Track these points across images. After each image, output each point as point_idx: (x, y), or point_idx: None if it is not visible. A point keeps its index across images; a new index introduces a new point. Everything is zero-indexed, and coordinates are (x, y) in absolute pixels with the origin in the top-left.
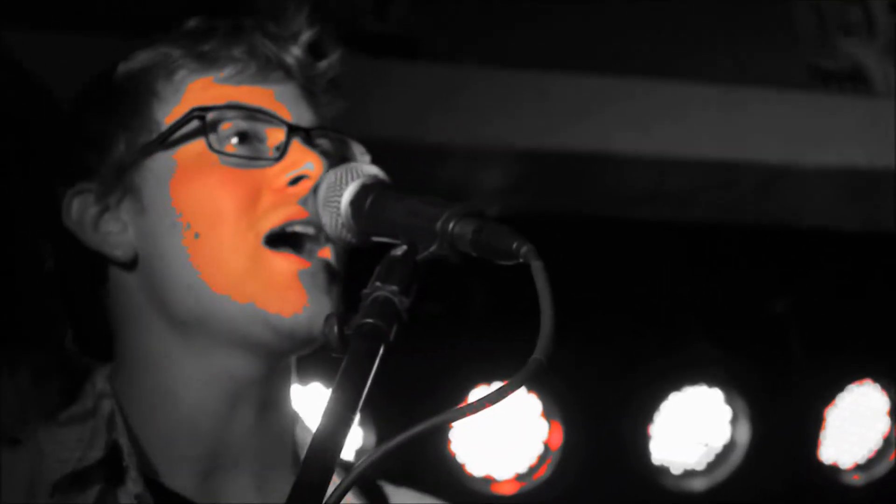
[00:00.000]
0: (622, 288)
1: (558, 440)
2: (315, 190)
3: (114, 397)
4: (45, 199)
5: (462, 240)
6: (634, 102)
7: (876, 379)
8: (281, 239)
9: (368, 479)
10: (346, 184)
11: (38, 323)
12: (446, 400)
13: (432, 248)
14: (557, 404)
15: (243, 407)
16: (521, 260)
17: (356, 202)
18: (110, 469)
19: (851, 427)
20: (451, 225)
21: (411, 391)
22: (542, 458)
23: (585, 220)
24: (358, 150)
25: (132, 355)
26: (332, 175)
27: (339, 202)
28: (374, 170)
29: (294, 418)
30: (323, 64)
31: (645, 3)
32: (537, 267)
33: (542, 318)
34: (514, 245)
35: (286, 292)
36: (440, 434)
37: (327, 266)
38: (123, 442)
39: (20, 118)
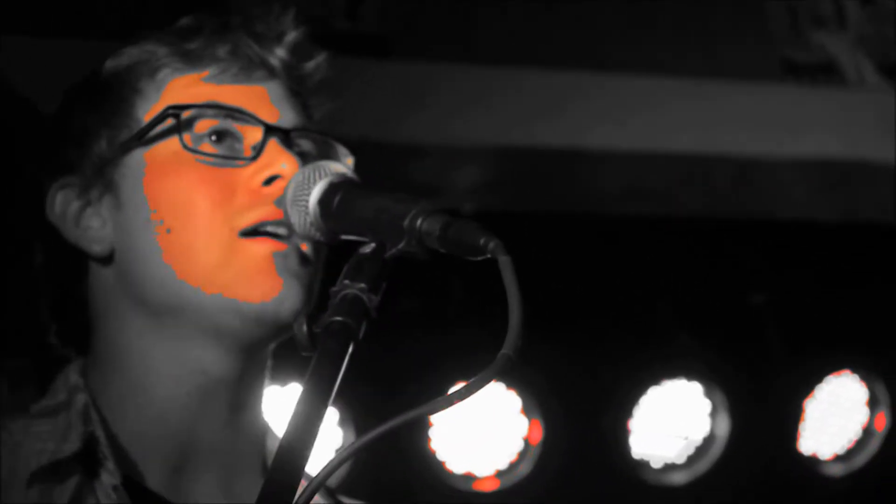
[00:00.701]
0: (600, 284)
1: (538, 436)
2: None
3: (87, 391)
4: (34, 195)
5: (430, 236)
6: (608, 97)
7: (854, 370)
8: (255, 235)
9: (330, 490)
10: (314, 182)
11: (17, 332)
12: (425, 396)
13: (400, 246)
14: (537, 400)
15: (214, 405)
16: (489, 255)
17: (324, 201)
18: (87, 462)
19: (830, 418)
20: (418, 222)
21: (390, 388)
22: (522, 455)
23: (561, 217)
24: (342, 151)
25: (107, 349)
26: (301, 174)
27: (307, 201)
28: (342, 168)
29: (265, 427)
30: (310, 65)
31: None
32: (505, 262)
33: (511, 314)
34: (482, 241)
35: (257, 277)
36: (420, 432)
37: (299, 250)
38: (99, 434)
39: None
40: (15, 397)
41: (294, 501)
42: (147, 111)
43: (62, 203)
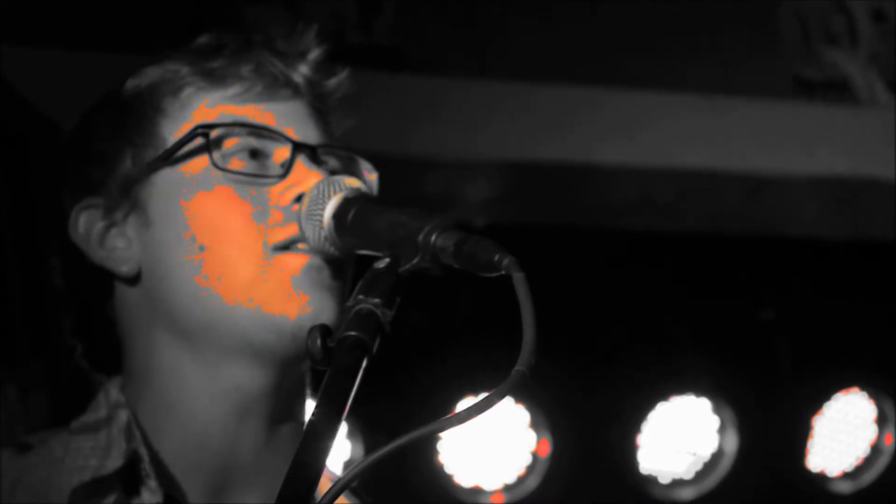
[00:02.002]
0: (609, 298)
1: (546, 450)
2: None
3: (128, 407)
4: (54, 215)
5: (444, 252)
6: (619, 112)
7: (863, 387)
8: (289, 250)
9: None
10: (329, 197)
11: (26, 342)
12: (434, 411)
13: (415, 261)
14: (545, 415)
15: (252, 421)
16: (503, 272)
17: (339, 215)
18: (127, 479)
19: (839, 435)
20: (433, 237)
21: (399, 403)
22: (530, 469)
23: (572, 231)
24: (366, 166)
25: (140, 369)
26: (315, 189)
27: (321, 215)
28: (357, 182)
29: None
30: (332, 82)
31: (629, 14)
32: (519, 279)
33: (525, 330)
34: (496, 257)
35: (294, 292)
36: (429, 445)
37: (332, 264)
38: (142, 451)
39: (17, 135)
40: (24, 405)
41: None
42: (173, 130)
43: (86, 224)
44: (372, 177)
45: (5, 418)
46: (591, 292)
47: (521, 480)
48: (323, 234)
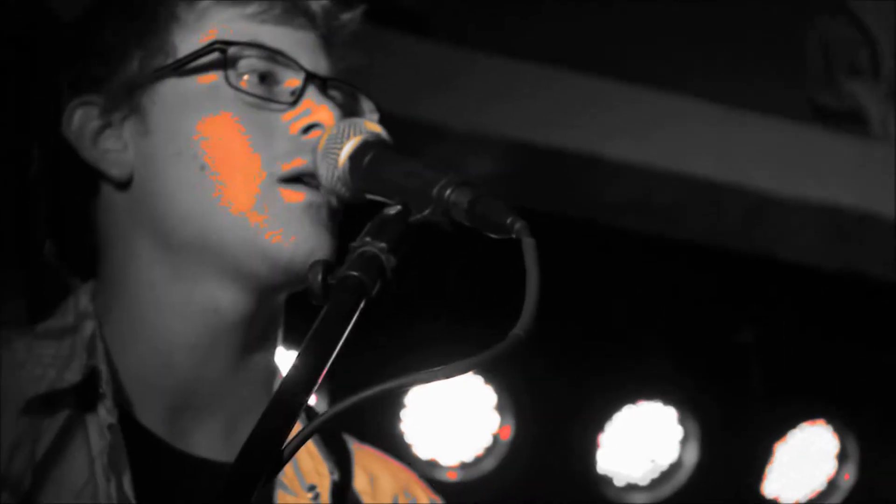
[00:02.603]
0: (593, 294)
1: (507, 434)
2: None
3: (96, 318)
4: (45, 104)
5: (457, 208)
6: (633, 110)
7: (829, 421)
8: (293, 183)
9: (332, 430)
10: (348, 137)
11: (10, 246)
12: (402, 372)
13: (426, 212)
14: (512, 398)
15: (223, 346)
16: (513, 235)
17: (355, 157)
18: (83, 394)
19: (799, 465)
20: (447, 192)
21: (372, 369)
22: (488, 451)
23: (567, 222)
24: (367, 106)
25: (115, 277)
26: (335, 128)
27: (338, 154)
28: (378, 129)
29: (275, 373)
30: (346, 16)
31: (660, 14)
32: (529, 244)
33: (527, 295)
34: (509, 220)
35: (292, 224)
36: (392, 409)
37: (330, 204)
38: (102, 368)
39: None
40: (4, 311)
41: (283, 447)
42: (186, 40)
43: (81, 120)
44: (374, 116)
45: None
46: (576, 285)
47: (477, 461)
48: (336, 173)
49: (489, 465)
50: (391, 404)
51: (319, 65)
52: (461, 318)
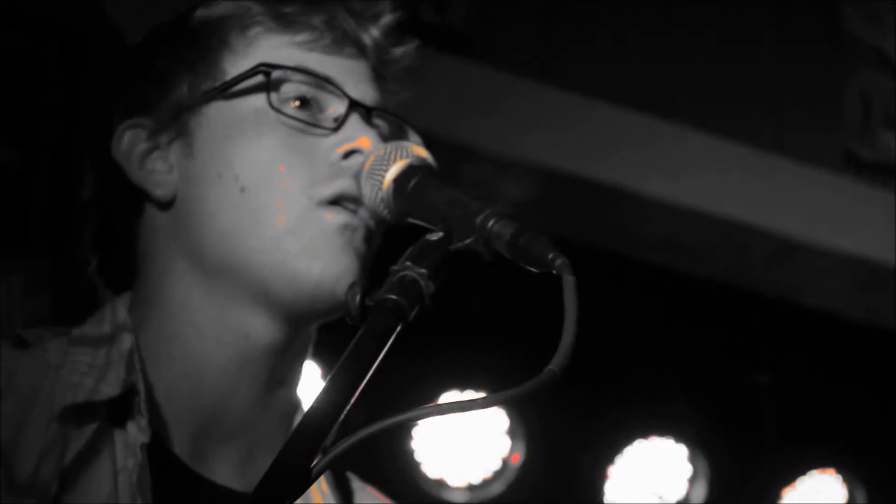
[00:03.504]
0: (614, 326)
1: (517, 459)
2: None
3: (133, 332)
4: (99, 126)
5: (499, 239)
6: (669, 147)
7: (839, 470)
8: (331, 204)
9: (339, 468)
10: (394, 160)
11: (44, 237)
12: (414, 402)
13: (468, 241)
14: (524, 424)
15: (252, 375)
16: (553, 271)
17: (400, 180)
18: (116, 408)
19: None
20: (490, 222)
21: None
22: (497, 474)
23: (593, 253)
24: (415, 139)
25: (151, 294)
26: (383, 149)
27: (383, 176)
28: (425, 153)
29: (297, 406)
30: (399, 50)
31: (705, 57)
32: (569, 281)
33: (564, 333)
34: (551, 256)
35: (322, 250)
36: (404, 429)
37: (367, 227)
38: (140, 387)
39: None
40: (28, 301)
41: (311, 466)
42: (235, 65)
43: (130, 141)
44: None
45: (6, 309)
46: (597, 317)
47: (485, 483)
48: (380, 195)
49: (497, 488)
50: (406, 424)
51: (366, 94)
52: (479, 346)
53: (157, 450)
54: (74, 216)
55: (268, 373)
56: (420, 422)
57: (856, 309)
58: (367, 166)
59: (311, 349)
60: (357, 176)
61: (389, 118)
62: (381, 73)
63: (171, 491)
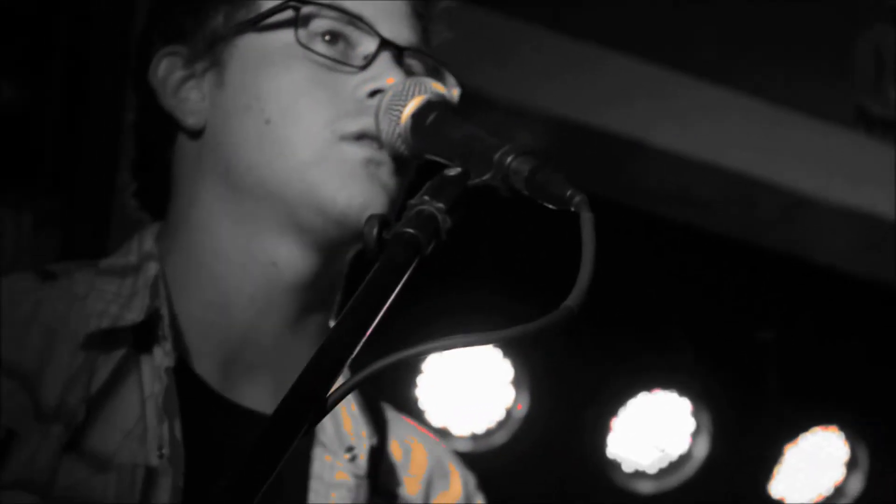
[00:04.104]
0: (622, 279)
1: (521, 410)
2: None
3: (159, 261)
4: (141, 53)
5: (517, 176)
6: (680, 98)
7: (842, 428)
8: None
9: (371, 398)
10: (413, 96)
11: (55, 174)
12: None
13: (486, 177)
14: (529, 375)
15: (281, 303)
16: (571, 208)
17: (418, 116)
18: (141, 335)
19: (808, 468)
20: (509, 158)
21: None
22: (501, 424)
23: (602, 203)
24: (450, 81)
25: (179, 222)
26: (401, 84)
27: (401, 111)
28: (444, 89)
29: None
30: None
31: (717, 8)
32: (587, 218)
33: (582, 269)
34: (569, 193)
35: (348, 180)
36: (408, 376)
37: (393, 162)
38: (164, 312)
39: None
40: (38, 238)
41: (328, 395)
42: None
43: (166, 69)
44: (454, 91)
45: (14, 245)
46: (606, 268)
47: (489, 433)
48: (398, 130)
49: (500, 438)
50: (408, 369)
51: (401, 34)
52: (489, 287)
53: (185, 375)
54: (83, 153)
55: (298, 302)
56: (428, 360)
57: (862, 265)
58: (384, 102)
59: (342, 283)
60: (376, 111)
61: (426, 59)
62: (421, 11)
63: (198, 415)
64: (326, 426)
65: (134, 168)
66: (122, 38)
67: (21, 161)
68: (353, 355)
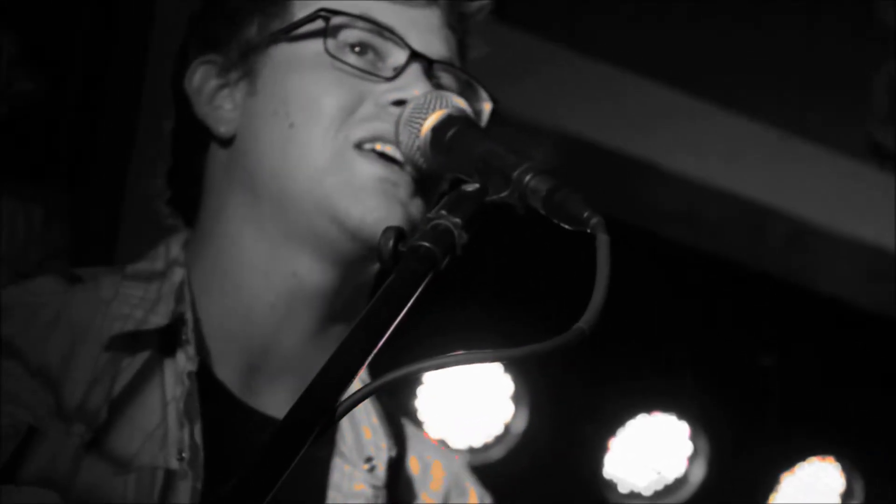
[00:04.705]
0: (626, 299)
1: (520, 427)
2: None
3: (185, 267)
4: (178, 63)
5: (535, 195)
6: (694, 123)
7: (839, 459)
8: (368, 151)
9: (391, 411)
10: (433, 109)
11: (69, 168)
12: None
13: (503, 194)
14: (530, 391)
15: (302, 313)
16: (588, 230)
17: (438, 129)
18: (165, 339)
19: (803, 497)
20: (527, 177)
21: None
22: (498, 439)
23: (611, 223)
24: (482, 96)
25: (206, 230)
26: (423, 97)
27: (421, 124)
28: (465, 104)
29: None
30: (473, 4)
31: (731, 34)
32: (603, 240)
33: (595, 290)
34: (586, 214)
35: (362, 193)
36: (409, 387)
37: (413, 182)
38: (188, 317)
39: None
40: (47, 232)
41: (337, 404)
42: (304, 7)
43: (201, 78)
44: (486, 106)
45: (23, 239)
46: (611, 287)
47: (486, 447)
48: (417, 143)
49: (497, 453)
50: (408, 380)
51: (431, 46)
52: (500, 304)
53: (207, 380)
54: (98, 149)
55: (318, 312)
56: (431, 377)
57: (867, 298)
58: (405, 114)
59: (368, 296)
60: (396, 122)
61: (458, 73)
62: (454, 26)
63: (219, 419)
64: (346, 436)
65: (169, 176)
66: (141, 37)
67: (36, 155)
68: (363, 366)
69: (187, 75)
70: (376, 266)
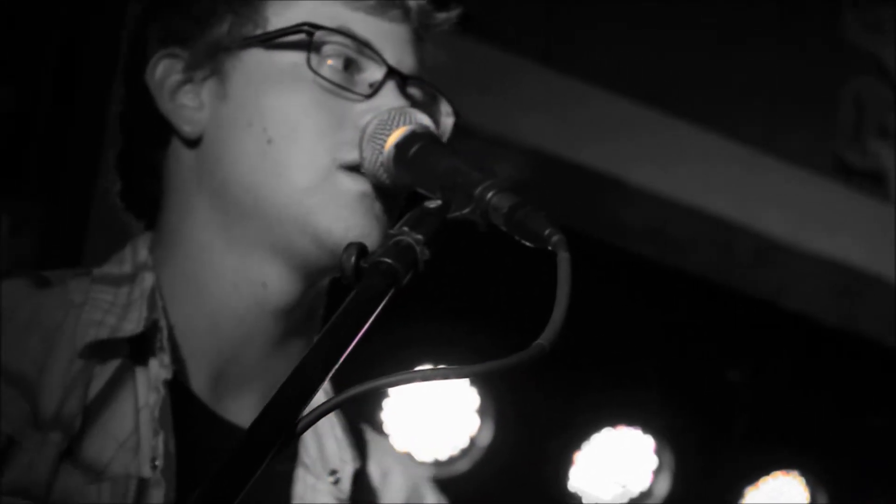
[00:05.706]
0: (593, 314)
1: (485, 440)
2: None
3: (154, 271)
4: (134, 50)
5: (497, 212)
6: (661, 138)
7: (803, 474)
8: (352, 170)
9: (353, 420)
10: (397, 126)
11: (39, 178)
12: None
13: (465, 211)
14: (495, 404)
15: (268, 324)
16: (549, 247)
17: (401, 146)
18: (137, 346)
19: None
20: (489, 194)
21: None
22: (464, 452)
23: (579, 238)
24: (445, 109)
25: (171, 232)
26: (386, 114)
27: (384, 140)
28: (428, 121)
29: None
30: (441, 15)
31: (704, 52)
32: (564, 258)
33: (556, 308)
34: (547, 231)
35: (345, 211)
36: (375, 398)
37: (385, 197)
38: (162, 324)
39: None
40: (14, 242)
41: (297, 419)
42: (278, 14)
43: (164, 71)
44: (450, 120)
45: None
46: (577, 303)
47: (451, 461)
48: (380, 159)
49: (462, 466)
50: (374, 393)
51: (404, 61)
52: (454, 322)
53: (177, 388)
54: (68, 159)
55: (284, 321)
56: (397, 389)
57: (833, 314)
58: (368, 130)
59: (323, 305)
60: (360, 138)
61: (425, 86)
62: (421, 35)
63: (189, 428)
64: (309, 447)
65: (120, 165)
66: (111, 47)
67: (4, 165)
68: (324, 381)
69: (149, 66)
70: (328, 278)
